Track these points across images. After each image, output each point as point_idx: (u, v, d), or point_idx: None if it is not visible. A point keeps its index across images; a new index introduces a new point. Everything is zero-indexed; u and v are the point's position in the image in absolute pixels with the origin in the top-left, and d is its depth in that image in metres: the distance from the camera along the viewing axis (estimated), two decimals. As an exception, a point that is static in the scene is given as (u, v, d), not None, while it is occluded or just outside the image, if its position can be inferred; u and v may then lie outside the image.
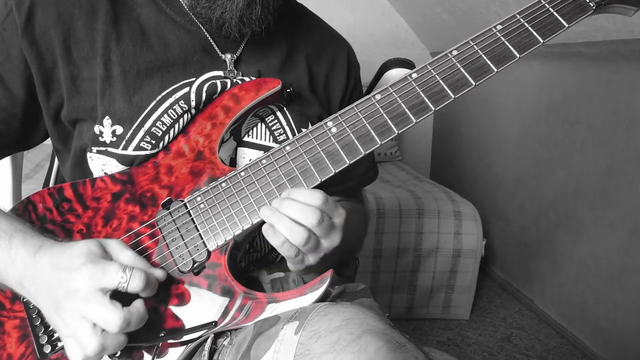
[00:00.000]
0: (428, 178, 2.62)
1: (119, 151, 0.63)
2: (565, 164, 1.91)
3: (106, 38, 0.63)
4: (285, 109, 0.71)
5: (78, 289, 0.49)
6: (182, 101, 0.64)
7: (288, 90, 0.68)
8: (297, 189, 0.56)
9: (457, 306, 2.03)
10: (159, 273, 0.55)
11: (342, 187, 0.79)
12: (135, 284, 0.50)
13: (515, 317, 2.08)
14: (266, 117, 0.70)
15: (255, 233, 0.72)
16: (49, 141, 0.71)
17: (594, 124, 1.75)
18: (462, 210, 1.96)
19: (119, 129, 0.63)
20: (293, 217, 0.54)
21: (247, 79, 0.68)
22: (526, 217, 2.17)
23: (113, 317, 0.48)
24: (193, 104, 0.64)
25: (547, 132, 2.02)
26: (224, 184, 0.60)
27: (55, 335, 0.57)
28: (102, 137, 0.63)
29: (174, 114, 0.64)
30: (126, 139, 0.63)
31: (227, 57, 0.69)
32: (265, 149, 0.69)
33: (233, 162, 0.69)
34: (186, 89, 0.64)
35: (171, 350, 0.56)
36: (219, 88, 0.66)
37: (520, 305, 2.17)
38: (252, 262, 0.74)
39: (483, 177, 2.53)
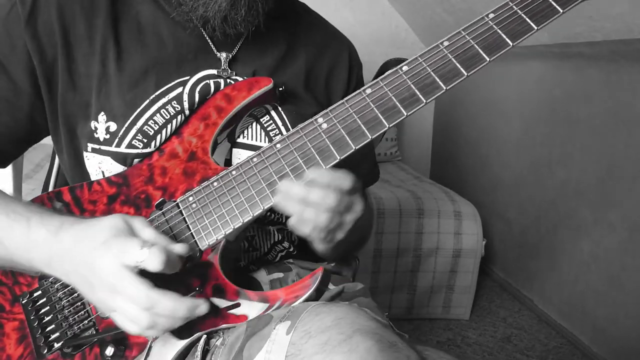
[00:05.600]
0: (428, 178, 2.62)
1: (112, 148, 0.63)
2: (565, 164, 1.91)
3: (105, 35, 0.64)
4: (280, 108, 0.71)
5: (102, 266, 0.48)
6: (175, 102, 0.64)
7: (280, 88, 0.68)
8: (317, 171, 0.56)
9: (457, 306, 2.02)
10: (179, 248, 0.51)
11: None
12: (152, 263, 0.47)
13: (515, 317, 2.08)
14: (261, 117, 0.70)
15: (254, 232, 0.72)
16: (49, 141, 0.71)
17: (594, 124, 1.75)
18: (462, 210, 1.96)
19: (113, 126, 0.63)
20: (316, 201, 0.54)
21: (239, 78, 0.68)
22: (526, 217, 2.17)
23: (139, 296, 0.47)
24: (186, 105, 0.65)
25: (547, 132, 2.02)
26: (215, 183, 0.60)
27: (52, 336, 0.58)
28: (97, 133, 0.63)
29: (167, 114, 0.64)
30: (119, 136, 0.63)
31: (223, 55, 0.68)
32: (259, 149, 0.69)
33: (228, 164, 0.69)
34: (179, 89, 0.65)
35: (163, 349, 0.56)
36: (212, 89, 0.66)
37: (520, 305, 2.17)
38: (251, 262, 0.74)
39: (483, 177, 2.52)
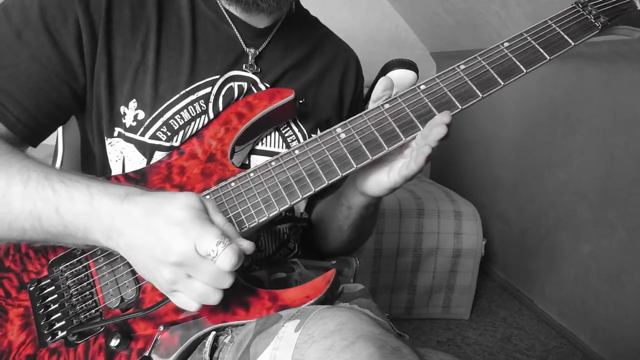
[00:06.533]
0: (428, 178, 2.62)
1: (137, 137, 0.65)
2: (565, 164, 1.91)
3: (149, 27, 0.66)
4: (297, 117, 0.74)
5: (176, 247, 0.46)
6: (202, 100, 0.67)
7: (300, 101, 0.71)
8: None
9: (457, 306, 2.03)
10: (246, 245, 0.49)
11: None
12: (223, 262, 0.45)
13: (515, 317, 2.08)
14: (280, 125, 0.73)
15: (260, 233, 0.72)
16: (49, 141, 0.71)
17: (594, 124, 1.76)
18: (462, 210, 1.96)
19: (141, 114, 0.65)
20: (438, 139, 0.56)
21: (258, 81, 0.71)
22: (526, 217, 2.18)
23: (213, 276, 0.47)
24: (211, 107, 0.67)
25: (547, 132, 2.02)
26: (232, 184, 0.61)
27: (57, 324, 0.58)
28: (124, 119, 0.65)
29: (193, 111, 0.66)
30: (145, 125, 0.65)
31: (251, 51, 0.72)
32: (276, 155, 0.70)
33: (245, 169, 0.70)
34: (208, 89, 0.67)
35: (169, 345, 0.56)
36: (236, 93, 0.69)
37: (520, 305, 2.18)
38: (255, 262, 0.74)
39: (483, 177, 2.53)
